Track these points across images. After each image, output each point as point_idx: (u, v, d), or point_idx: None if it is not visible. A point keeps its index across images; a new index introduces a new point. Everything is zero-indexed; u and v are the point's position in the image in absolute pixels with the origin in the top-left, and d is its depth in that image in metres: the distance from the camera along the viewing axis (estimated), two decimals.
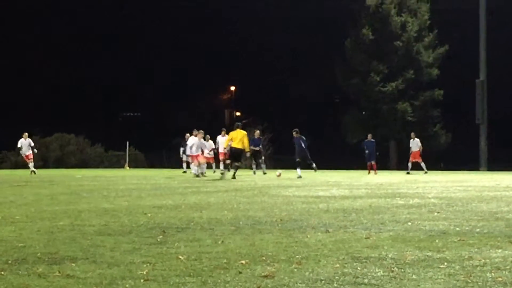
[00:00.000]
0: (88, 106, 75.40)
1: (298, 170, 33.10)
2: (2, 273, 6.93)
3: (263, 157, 34.70)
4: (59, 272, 6.95)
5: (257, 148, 37.41)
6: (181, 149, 43.58)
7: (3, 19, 77.65)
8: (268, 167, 42.68)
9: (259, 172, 37.35)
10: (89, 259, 7.83)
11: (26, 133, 41.98)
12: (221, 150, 38.13)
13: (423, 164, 42.94)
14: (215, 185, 25.93)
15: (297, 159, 34.20)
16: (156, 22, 78.88)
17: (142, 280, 6.54)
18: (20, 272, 6.97)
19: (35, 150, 42.68)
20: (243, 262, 7.52)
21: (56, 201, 16.89)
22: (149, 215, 13.01)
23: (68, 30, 77.94)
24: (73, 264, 7.44)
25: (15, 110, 73.24)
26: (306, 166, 33.62)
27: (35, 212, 13.70)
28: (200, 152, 36.66)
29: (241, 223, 11.53)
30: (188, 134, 42.74)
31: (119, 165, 66.89)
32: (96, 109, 75.13)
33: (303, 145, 34.96)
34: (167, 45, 78.50)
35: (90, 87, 77.02)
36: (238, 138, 31.05)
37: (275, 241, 9.27)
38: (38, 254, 8.11)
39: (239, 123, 32.03)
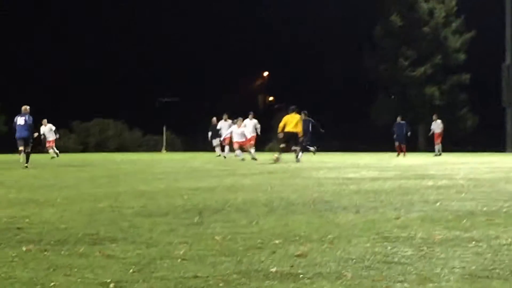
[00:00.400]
0: (127, 91, 75.60)
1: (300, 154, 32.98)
2: (46, 253, 6.97)
3: (302, 140, 34.30)
4: (100, 252, 6.98)
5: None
6: (209, 133, 43.50)
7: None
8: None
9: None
10: (128, 239, 7.85)
11: (45, 120, 42.20)
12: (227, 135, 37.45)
13: (439, 146, 42.57)
14: (250, 167, 25.93)
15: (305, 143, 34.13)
16: (192, 8, 78.77)
17: (179, 260, 6.54)
18: (62, 252, 7.00)
19: (57, 135, 42.97)
20: (277, 242, 7.50)
21: (96, 184, 16.99)
22: (185, 197, 13.02)
23: (108, 13, 78.02)
24: (113, 245, 7.46)
25: (53, 96, 73.53)
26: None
27: (76, 194, 13.78)
28: (228, 136, 36.61)
29: (274, 204, 11.51)
30: (215, 118, 42.71)
31: (156, 149, 67.20)
32: (134, 94, 75.27)
33: (310, 128, 34.80)
34: (203, 30, 78.40)
35: (128, 72, 77.19)
36: (293, 122, 30.49)
37: (308, 221, 9.24)
38: (79, 235, 8.15)
39: (293, 107, 31.08)
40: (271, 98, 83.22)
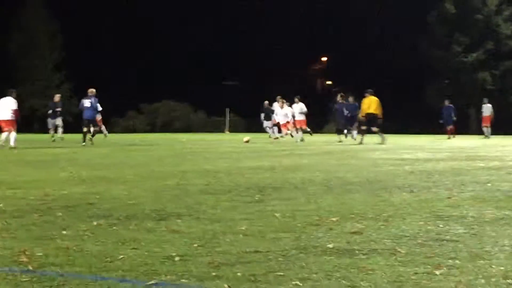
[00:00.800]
0: (193, 74, 76.07)
1: (338, 137, 32.98)
2: (115, 227, 7.03)
3: (355, 124, 34.00)
4: (166, 227, 7.02)
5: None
6: (262, 114, 43.17)
7: None
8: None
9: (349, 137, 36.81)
10: (192, 215, 7.88)
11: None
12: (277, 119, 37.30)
13: (488, 129, 41.90)
14: (308, 148, 25.88)
15: (339, 127, 34.08)
16: None
17: (241, 235, 6.55)
18: (130, 227, 7.07)
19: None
20: (334, 219, 7.46)
21: (163, 163, 17.11)
22: (247, 176, 13.05)
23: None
24: (178, 220, 7.50)
25: (123, 79, 74.23)
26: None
27: (144, 172, 13.89)
28: (288, 119, 36.42)
29: (331, 183, 11.46)
30: (266, 102, 42.38)
31: (220, 129, 67.48)
32: (200, 77, 75.67)
33: (344, 112, 34.40)
34: (267, 16, 78.30)
35: (195, 55, 77.62)
36: (371, 104, 30.28)
37: (363, 200, 9.18)
38: (147, 211, 8.21)
39: (370, 90, 30.81)
40: (329, 82, 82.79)
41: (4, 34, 69.25)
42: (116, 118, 68.13)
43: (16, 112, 26.25)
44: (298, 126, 35.69)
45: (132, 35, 76.45)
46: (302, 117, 36.12)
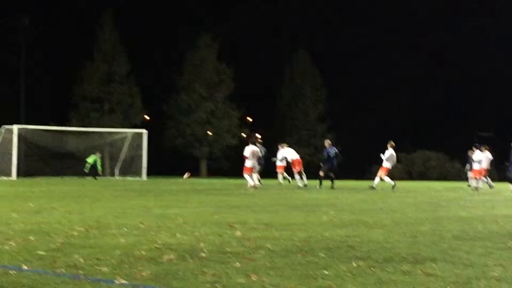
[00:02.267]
0: (448, 124, 75.02)
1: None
2: (373, 269, 7.08)
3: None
4: (421, 270, 6.96)
5: None
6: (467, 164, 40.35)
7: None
8: None
9: None
10: (447, 260, 7.75)
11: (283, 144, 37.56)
12: None
13: None
14: None
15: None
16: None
17: (494, 281, 6.35)
18: (388, 269, 7.08)
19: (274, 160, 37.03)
20: None
21: (419, 209, 16.93)
22: (501, 223, 12.60)
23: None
24: (433, 264, 7.41)
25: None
26: None
27: (400, 217, 13.83)
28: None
29: None
30: (470, 151, 39.12)
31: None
32: (456, 127, 74.35)
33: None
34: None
35: (450, 106, 76.68)
36: None
37: None
38: (403, 254, 8.18)
39: None
40: None
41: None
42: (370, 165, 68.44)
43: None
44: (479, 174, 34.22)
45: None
46: (484, 166, 34.38)
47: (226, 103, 71.73)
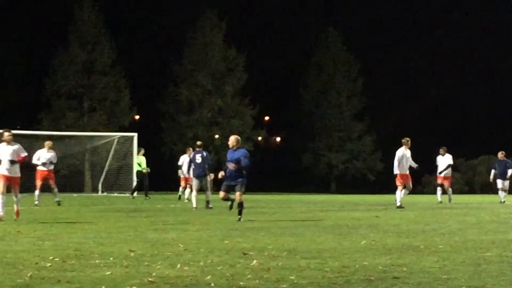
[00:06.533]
0: None
1: None
2: None
3: None
4: None
5: None
6: None
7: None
8: None
9: None
10: None
11: None
12: None
13: None
14: None
15: None
16: None
17: None
18: None
19: None
20: None
21: (483, 230, 16.85)
22: None
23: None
24: None
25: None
26: None
27: (459, 241, 13.77)
28: None
29: None
30: None
31: None
32: None
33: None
34: None
35: None
36: None
37: None
38: (463, 287, 8.15)
39: None
40: None
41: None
42: (428, 175, 68.22)
43: None
44: None
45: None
46: None
47: (237, 98, 71.60)
